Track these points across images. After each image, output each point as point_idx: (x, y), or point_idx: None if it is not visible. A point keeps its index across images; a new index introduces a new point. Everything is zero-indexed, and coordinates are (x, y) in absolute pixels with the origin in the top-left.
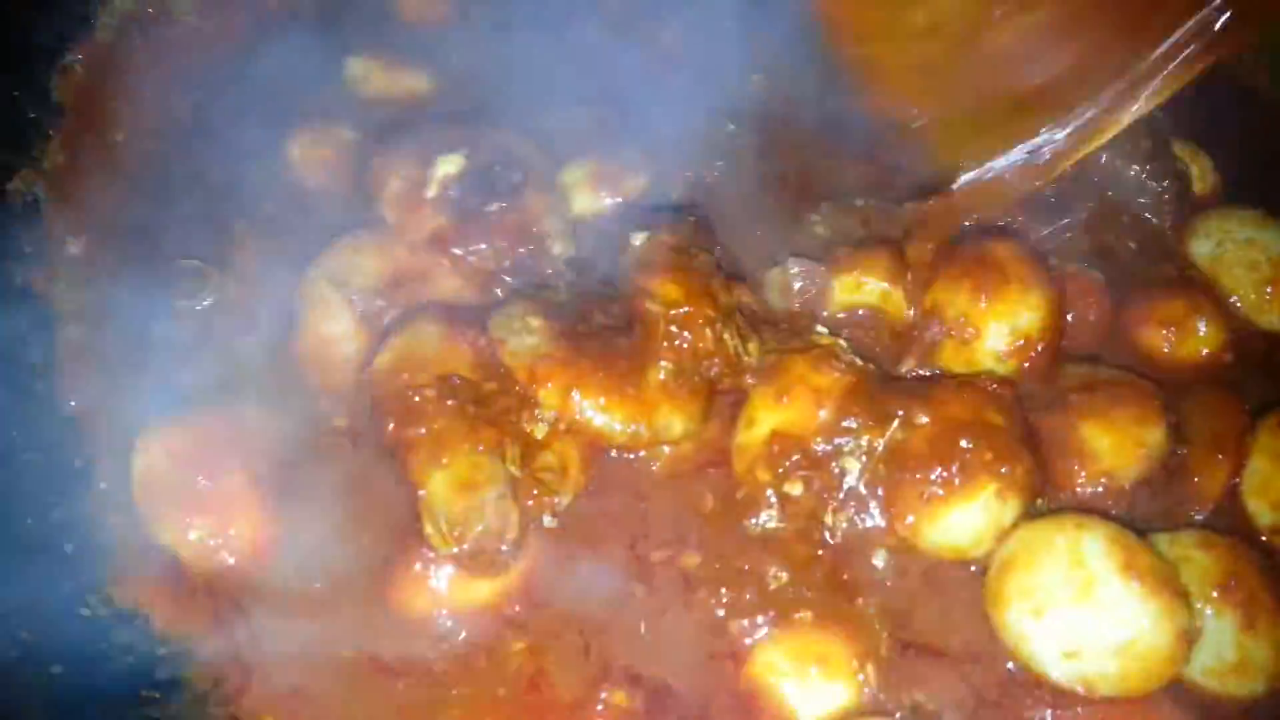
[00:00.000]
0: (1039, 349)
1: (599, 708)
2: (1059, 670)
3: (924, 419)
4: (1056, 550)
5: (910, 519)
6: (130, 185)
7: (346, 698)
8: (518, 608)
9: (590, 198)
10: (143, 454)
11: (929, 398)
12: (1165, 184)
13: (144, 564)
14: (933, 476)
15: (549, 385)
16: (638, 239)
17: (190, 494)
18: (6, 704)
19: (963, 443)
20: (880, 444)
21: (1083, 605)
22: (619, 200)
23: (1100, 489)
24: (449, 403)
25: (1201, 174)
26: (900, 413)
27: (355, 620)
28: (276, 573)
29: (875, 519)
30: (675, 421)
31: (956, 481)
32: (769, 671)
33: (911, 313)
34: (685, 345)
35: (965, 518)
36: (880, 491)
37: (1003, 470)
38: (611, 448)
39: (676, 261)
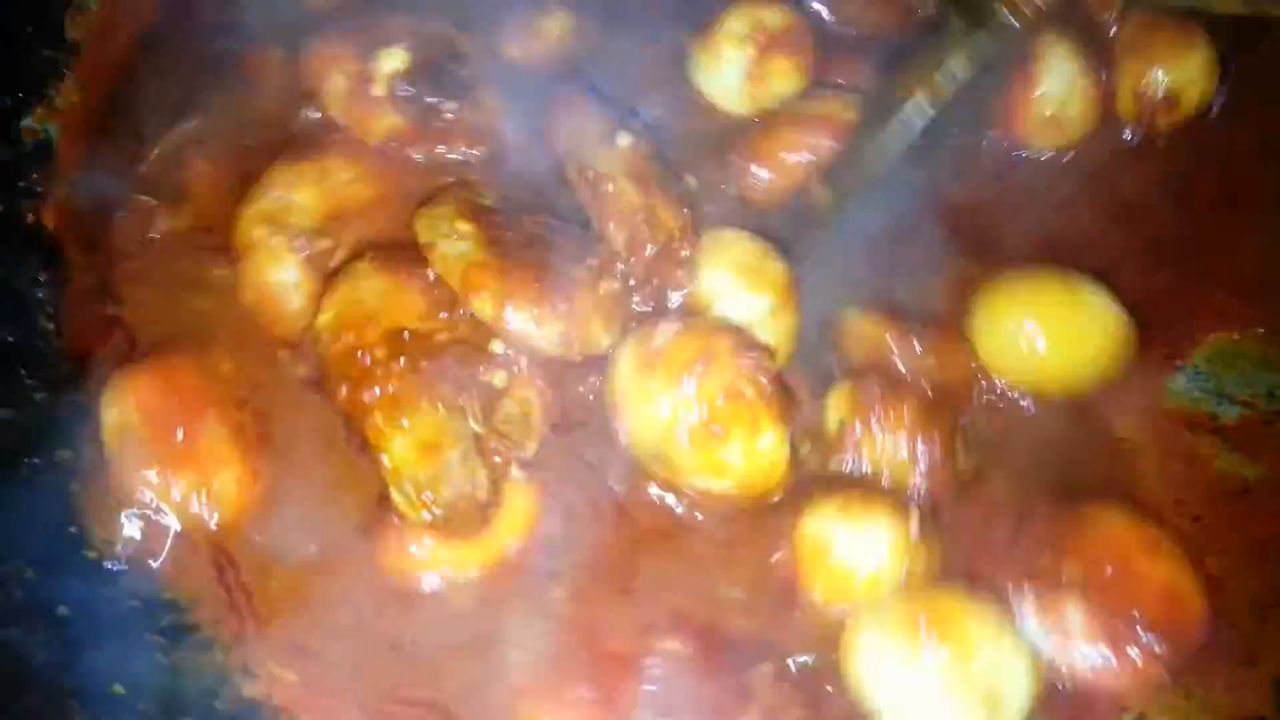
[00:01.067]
0: None
1: (655, 659)
2: None
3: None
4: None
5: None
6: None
7: (356, 660)
8: (533, 557)
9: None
10: (111, 408)
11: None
12: None
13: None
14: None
15: (482, 294)
16: (624, 140)
17: (166, 448)
18: (11, 644)
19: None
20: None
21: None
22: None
23: None
24: (400, 362)
25: None
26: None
27: (355, 584)
28: (264, 531)
29: None
30: (603, 336)
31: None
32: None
33: None
34: (638, 250)
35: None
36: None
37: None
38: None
39: (652, 171)
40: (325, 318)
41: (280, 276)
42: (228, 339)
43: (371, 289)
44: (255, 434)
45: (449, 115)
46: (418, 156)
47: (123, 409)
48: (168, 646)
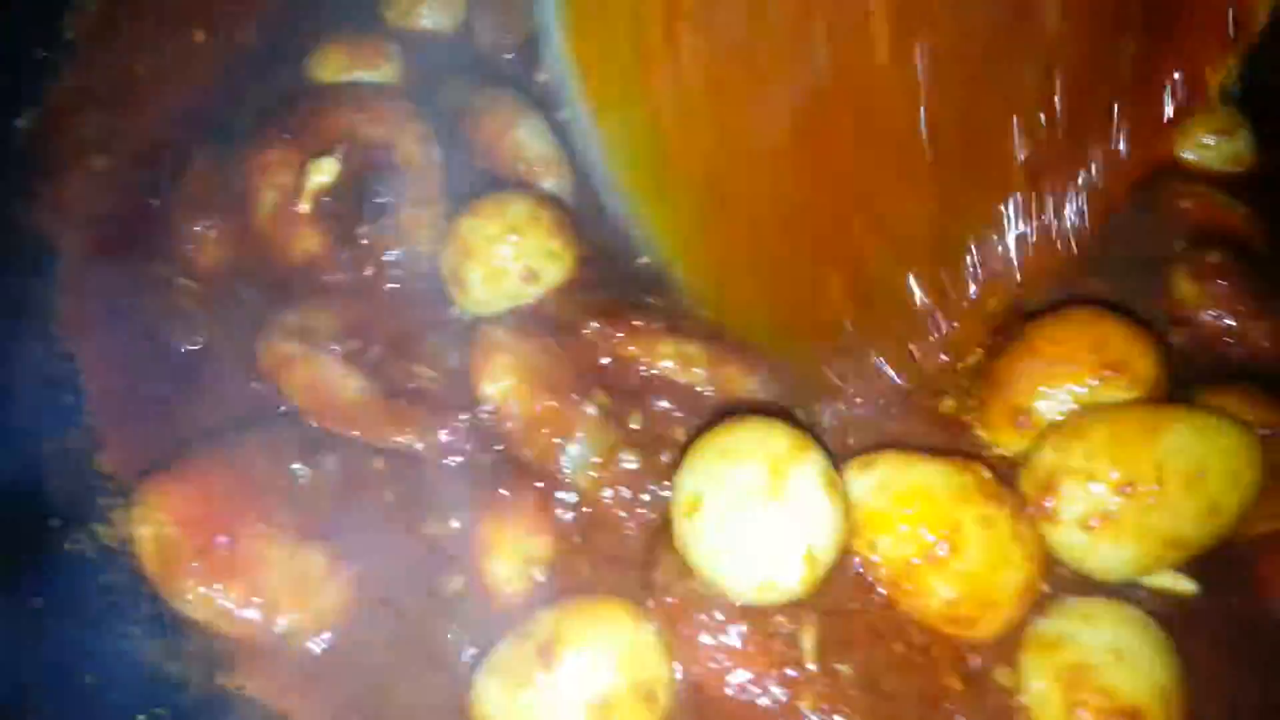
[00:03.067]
0: None
1: None
2: None
3: None
4: None
5: None
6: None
7: None
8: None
9: None
10: (146, 521)
11: None
12: None
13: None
14: None
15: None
16: None
17: (211, 557)
18: None
19: None
20: None
21: None
22: None
23: None
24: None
25: None
26: None
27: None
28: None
29: None
30: None
31: None
32: None
33: None
34: None
35: None
36: None
37: None
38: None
39: None
40: (500, 388)
41: (327, 374)
42: (258, 435)
43: (531, 349)
44: (312, 526)
45: (360, 238)
46: (328, 279)
47: (156, 521)
48: (143, 637)
